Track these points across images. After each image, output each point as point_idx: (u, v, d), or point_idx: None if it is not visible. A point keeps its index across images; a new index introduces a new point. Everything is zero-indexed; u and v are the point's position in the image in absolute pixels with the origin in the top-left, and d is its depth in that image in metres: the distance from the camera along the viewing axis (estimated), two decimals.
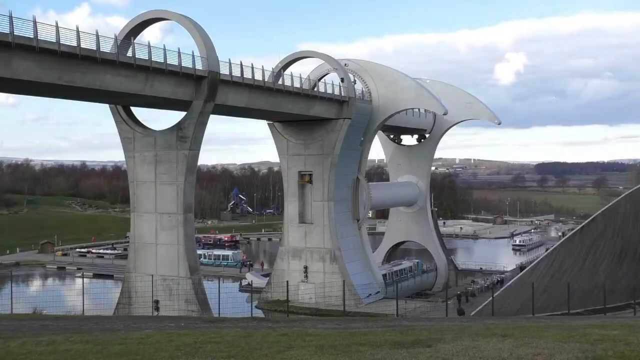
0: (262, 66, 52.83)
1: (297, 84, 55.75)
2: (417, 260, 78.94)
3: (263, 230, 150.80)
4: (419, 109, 76.04)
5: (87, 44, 38.13)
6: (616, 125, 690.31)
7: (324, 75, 66.24)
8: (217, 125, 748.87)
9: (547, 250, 58.38)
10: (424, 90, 65.82)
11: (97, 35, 38.80)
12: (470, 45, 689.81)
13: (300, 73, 57.10)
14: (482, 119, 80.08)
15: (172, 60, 43.17)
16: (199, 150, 47.80)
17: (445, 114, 68.15)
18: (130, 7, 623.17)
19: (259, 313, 56.56)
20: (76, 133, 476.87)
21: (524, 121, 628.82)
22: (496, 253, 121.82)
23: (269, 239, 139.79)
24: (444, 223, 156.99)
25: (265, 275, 74.89)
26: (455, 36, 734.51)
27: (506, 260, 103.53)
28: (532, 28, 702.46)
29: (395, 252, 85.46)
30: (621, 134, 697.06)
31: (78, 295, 35.78)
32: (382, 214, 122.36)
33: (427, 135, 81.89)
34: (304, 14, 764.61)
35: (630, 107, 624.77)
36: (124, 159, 51.60)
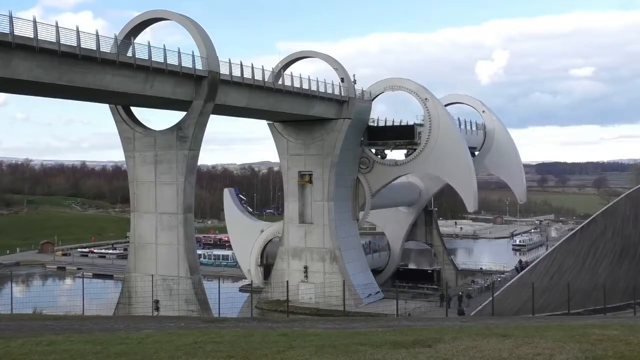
0: (262, 66, 52.96)
1: (297, 84, 55.76)
2: (369, 240, 79.46)
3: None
4: (467, 126, 77.73)
5: (87, 44, 38.14)
6: (610, 125, 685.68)
7: (378, 94, 67.95)
8: (217, 125, 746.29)
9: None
10: (471, 180, 65.21)
11: (97, 36, 38.81)
12: (459, 45, 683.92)
13: (300, 73, 57.24)
14: (514, 189, 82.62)
15: (172, 60, 43.17)
16: (199, 150, 47.80)
17: (474, 212, 69.08)
18: (77, 5, 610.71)
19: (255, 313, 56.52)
20: (72, 132, 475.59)
21: (520, 121, 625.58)
22: (496, 253, 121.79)
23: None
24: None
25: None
26: (442, 35, 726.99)
27: (506, 260, 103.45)
28: (522, 27, 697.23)
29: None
30: (614, 134, 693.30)
31: (78, 295, 35.75)
32: None
33: (476, 154, 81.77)
34: (285, 13, 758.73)
35: (623, 108, 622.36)
36: (124, 159, 51.62)
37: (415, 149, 65.75)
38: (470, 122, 79.81)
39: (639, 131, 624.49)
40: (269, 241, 72.98)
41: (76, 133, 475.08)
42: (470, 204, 66.38)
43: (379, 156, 68.34)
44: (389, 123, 69.64)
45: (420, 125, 65.87)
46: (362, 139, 66.83)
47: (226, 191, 79.20)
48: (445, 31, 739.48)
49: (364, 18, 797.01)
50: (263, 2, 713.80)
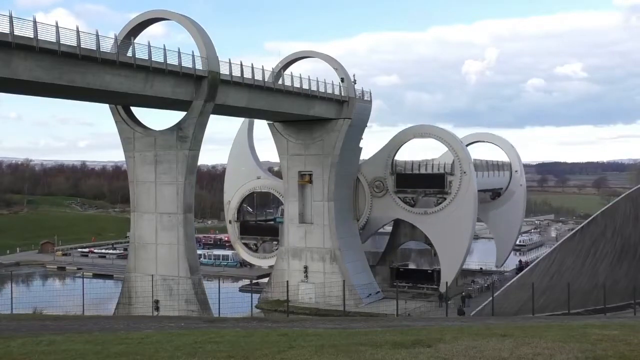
0: (262, 66, 52.96)
1: (297, 84, 55.77)
2: None
3: None
4: (494, 170, 78.89)
5: (87, 44, 38.16)
6: (606, 125, 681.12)
7: (401, 145, 67.80)
8: (217, 125, 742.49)
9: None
10: (457, 268, 66.45)
11: (97, 35, 38.82)
12: (449, 44, 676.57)
13: (300, 73, 57.23)
14: (498, 252, 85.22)
15: (172, 60, 43.18)
16: (199, 150, 47.81)
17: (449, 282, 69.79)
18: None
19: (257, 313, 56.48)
20: (69, 132, 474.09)
21: (517, 121, 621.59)
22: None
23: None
24: None
25: None
26: (432, 34, 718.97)
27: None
28: (514, 27, 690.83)
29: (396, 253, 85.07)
30: (613, 134, 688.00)
31: (78, 295, 35.79)
32: None
33: (501, 194, 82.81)
34: (273, 13, 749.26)
35: (619, 108, 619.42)
36: (124, 159, 51.63)
37: (445, 198, 65.38)
38: (498, 164, 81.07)
39: (638, 131, 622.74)
40: (246, 197, 73.91)
41: (72, 132, 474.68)
42: (443, 284, 64.08)
43: (408, 204, 67.72)
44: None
45: (451, 174, 65.35)
46: (361, 138, 66.84)
47: (246, 120, 74.55)
48: (435, 30, 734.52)
49: (353, 18, 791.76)
50: (251, 2, 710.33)
